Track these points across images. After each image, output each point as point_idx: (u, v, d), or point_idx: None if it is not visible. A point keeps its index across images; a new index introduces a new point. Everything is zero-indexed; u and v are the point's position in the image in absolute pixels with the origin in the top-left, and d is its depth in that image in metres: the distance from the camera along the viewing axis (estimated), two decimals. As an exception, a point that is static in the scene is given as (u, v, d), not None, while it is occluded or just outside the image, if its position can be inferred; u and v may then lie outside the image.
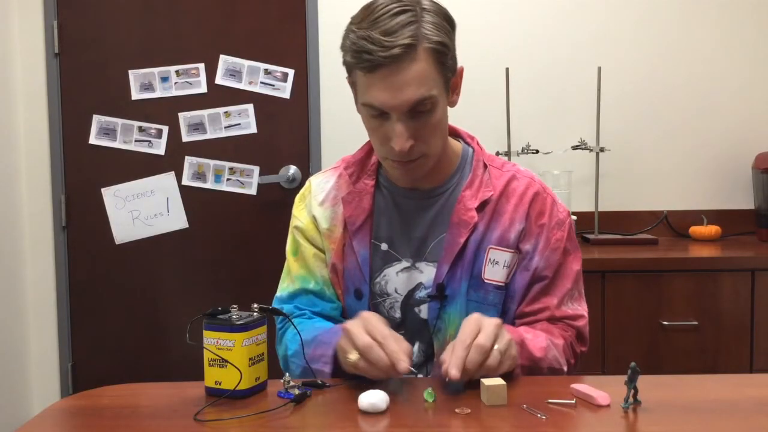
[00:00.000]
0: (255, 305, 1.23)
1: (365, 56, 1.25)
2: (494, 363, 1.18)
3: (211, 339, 1.18)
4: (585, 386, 1.17)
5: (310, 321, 1.44)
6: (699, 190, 2.93)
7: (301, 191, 1.55)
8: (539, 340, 1.34)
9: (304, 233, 1.50)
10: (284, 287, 1.52)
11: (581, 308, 1.46)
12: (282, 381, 1.21)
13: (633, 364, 1.10)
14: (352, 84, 1.35)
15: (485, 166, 1.47)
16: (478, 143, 1.51)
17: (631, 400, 1.12)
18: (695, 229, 2.79)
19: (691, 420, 1.10)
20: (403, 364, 1.16)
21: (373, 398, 1.11)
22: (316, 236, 1.49)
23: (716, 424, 1.08)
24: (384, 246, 1.45)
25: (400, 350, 1.18)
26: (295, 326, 1.36)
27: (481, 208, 1.42)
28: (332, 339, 1.30)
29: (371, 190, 1.46)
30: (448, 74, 1.33)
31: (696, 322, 2.39)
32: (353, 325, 1.22)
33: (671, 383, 1.26)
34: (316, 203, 1.50)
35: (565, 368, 1.38)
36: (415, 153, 1.33)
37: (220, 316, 1.19)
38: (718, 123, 2.92)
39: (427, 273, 1.43)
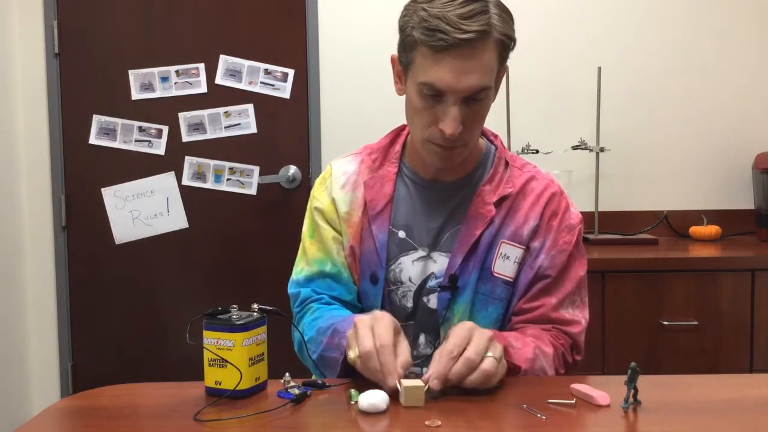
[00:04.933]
0: (255, 305, 1.22)
1: (439, 35, 1.26)
2: (491, 369, 1.15)
3: (211, 339, 1.18)
4: (585, 386, 1.17)
5: (328, 308, 1.44)
6: (699, 190, 2.93)
7: (323, 174, 1.56)
8: (527, 350, 1.31)
9: (323, 214, 1.50)
10: (299, 271, 1.51)
11: (581, 315, 1.44)
12: (282, 381, 1.21)
13: (633, 364, 1.10)
14: (406, 63, 1.34)
15: (507, 164, 1.49)
16: (501, 142, 1.53)
17: (631, 400, 1.12)
18: (695, 229, 2.79)
19: (691, 420, 1.10)
20: (391, 381, 1.14)
21: (373, 398, 1.11)
22: (335, 219, 1.49)
23: (716, 424, 1.08)
24: (401, 234, 1.45)
25: (394, 363, 1.15)
26: (298, 329, 1.37)
27: (498, 203, 1.43)
28: (348, 329, 1.27)
29: (393, 177, 1.48)
30: (501, 68, 1.36)
31: (696, 322, 2.38)
32: (363, 325, 1.20)
33: (671, 383, 1.26)
34: (337, 186, 1.50)
35: None
36: (458, 140, 1.34)
37: (220, 316, 1.19)
38: (718, 123, 2.92)
39: (440, 263, 1.43)
